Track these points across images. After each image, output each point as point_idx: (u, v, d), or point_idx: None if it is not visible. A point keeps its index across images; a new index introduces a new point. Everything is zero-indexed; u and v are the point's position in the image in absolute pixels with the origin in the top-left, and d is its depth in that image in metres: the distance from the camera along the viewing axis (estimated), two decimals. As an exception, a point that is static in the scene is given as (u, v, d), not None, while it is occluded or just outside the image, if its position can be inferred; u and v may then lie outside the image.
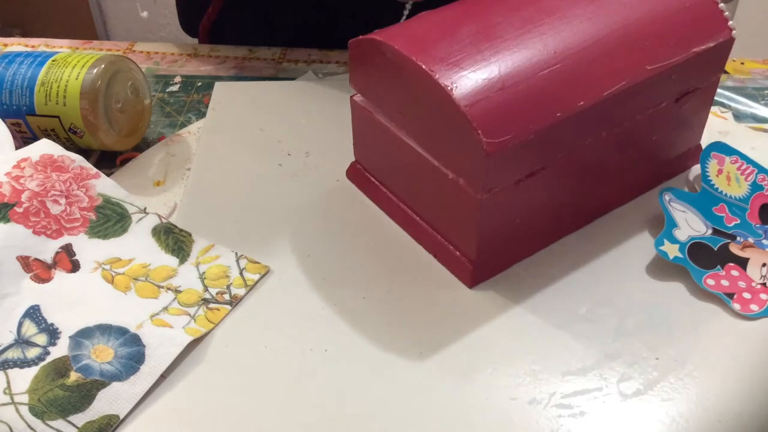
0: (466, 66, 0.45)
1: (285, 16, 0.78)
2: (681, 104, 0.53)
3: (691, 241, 0.51)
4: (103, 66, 0.58)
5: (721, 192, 0.53)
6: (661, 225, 0.52)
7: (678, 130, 0.55)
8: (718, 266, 0.50)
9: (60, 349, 0.46)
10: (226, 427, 0.43)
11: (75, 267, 0.51)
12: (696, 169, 0.58)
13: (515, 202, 0.48)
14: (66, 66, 0.58)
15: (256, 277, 0.51)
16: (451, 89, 0.43)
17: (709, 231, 0.52)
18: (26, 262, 0.50)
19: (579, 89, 0.46)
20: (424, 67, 0.44)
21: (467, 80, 0.44)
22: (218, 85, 0.69)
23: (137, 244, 0.53)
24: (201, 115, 0.67)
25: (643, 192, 0.56)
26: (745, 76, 0.71)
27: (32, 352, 0.46)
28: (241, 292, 0.50)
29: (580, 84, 0.46)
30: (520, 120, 0.44)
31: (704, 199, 0.53)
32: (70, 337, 0.47)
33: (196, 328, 0.48)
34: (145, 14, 1.84)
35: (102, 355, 0.46)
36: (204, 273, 0.51)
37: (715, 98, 0.67)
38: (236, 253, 0.52)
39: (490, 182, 0.45)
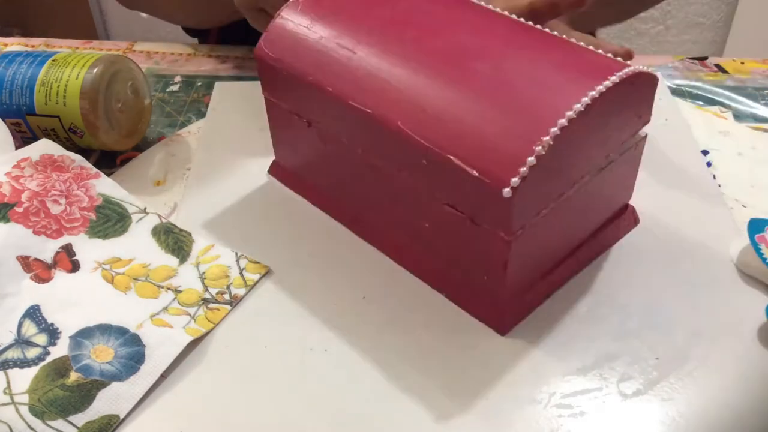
0: None
1: None
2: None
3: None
4: (103, 66, 0.58)
5: None
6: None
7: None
8: None
9: (60, 349, 0.46)
10: (226, 427, 0.43)
11: (75, 267, 0.51)
12: (735, 251, 0.53)
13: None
14: (66, 66, 0.58)
15: (256, 277, 0.51)
16: None
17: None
18: (26, 262, 0.50)
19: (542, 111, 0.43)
20: None
21: None
22: (218, 85, 0.69)
23: (137, 244, 0.53)
24: (201, 115, 0.67)
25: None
26: (745, 76, 0.71)
27: (32, 352, 0.46)
28: (241, 292, 0.50)
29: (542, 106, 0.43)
30: None
31: None
32: (70, 337, 0.47)
33: (196, 328, 0.48)
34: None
35: (102, 355, 0.46)
36: (204, 273, 0.51)
37: (715, 98, 0.67)
38: (236, 253, 0.52)
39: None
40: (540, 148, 0.40)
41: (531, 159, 0.40)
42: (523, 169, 0.40)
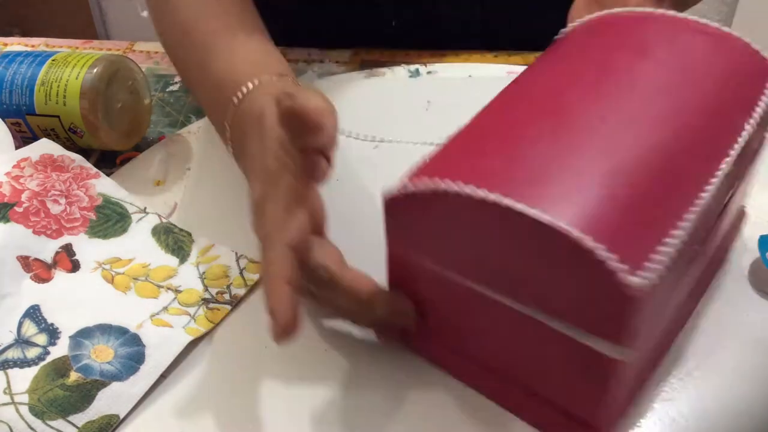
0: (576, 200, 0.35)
1: (280, 10, 0.78)
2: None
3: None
4: (103, 66, 0.58)
5: None
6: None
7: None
8: None
9: (60, 349, 0.46)
10: (226, 427, 0.43)
11: (75, 267, 0.51)
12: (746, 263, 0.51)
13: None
14: (66, 66, 0.58)
15: (257, 276, 0.51)
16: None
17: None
18: (26, 262, 0.50)
19: (684, 185, 0.38)
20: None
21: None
22: (218, 85, 0.69)
23: (137, 244, 0.53)
24: (201, 115, 0.67)
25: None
26: (745, 76, 0.71)
27: (32, 352, 0.46)
28: (241, 292, 0.50)
29: (683, 180, 0.39)
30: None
31: None
32: (70, 337, 0.47)
33: (196, 327, 0.48)
34: (145, 14, 1.84)
35: (102, 355, 0.46)
36: (204, 273, 0.51)
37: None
38: (236, 253, 0.52)
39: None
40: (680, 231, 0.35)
41: (667, 247, 0.34)
42: (654, 264, 0.33)
